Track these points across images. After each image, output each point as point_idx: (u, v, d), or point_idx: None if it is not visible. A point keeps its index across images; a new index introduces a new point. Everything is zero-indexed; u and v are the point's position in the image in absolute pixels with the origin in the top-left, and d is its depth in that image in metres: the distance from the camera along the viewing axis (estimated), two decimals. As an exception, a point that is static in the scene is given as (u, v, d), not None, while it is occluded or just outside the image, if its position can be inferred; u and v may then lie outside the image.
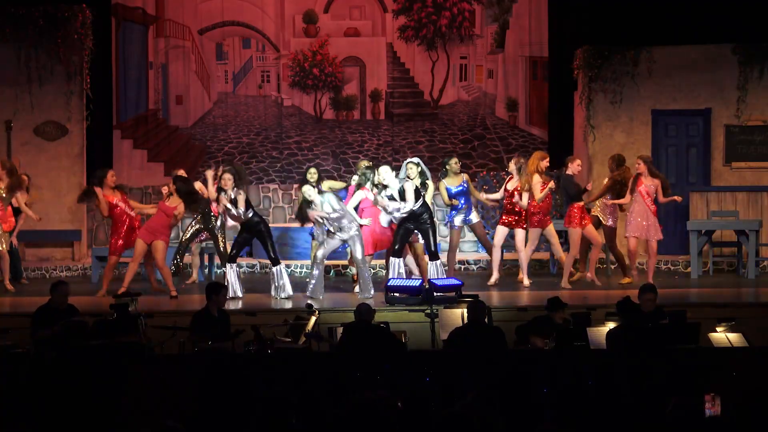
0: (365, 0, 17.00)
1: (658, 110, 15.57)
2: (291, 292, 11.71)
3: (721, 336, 9.21)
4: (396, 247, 11.75)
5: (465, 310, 9.52)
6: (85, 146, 15.41)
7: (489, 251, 12.83)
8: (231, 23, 16.90)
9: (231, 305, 11.13)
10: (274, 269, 11.78)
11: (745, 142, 15.35)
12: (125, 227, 12.14)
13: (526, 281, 12.47)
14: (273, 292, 11.73)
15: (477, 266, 14.50)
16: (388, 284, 11.26)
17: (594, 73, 15.42)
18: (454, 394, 6.71)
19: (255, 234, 11.90)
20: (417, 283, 11.08)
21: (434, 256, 11.77)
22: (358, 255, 11.63)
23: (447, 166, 12.63)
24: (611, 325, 9.04)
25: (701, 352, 8.56)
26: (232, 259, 11.89)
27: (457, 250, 13.05)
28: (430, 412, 6.67)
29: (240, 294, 11.78)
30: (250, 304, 11.42)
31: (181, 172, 12.75)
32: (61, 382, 7.47)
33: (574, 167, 12.55)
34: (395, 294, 11.06)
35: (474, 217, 12.74)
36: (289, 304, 11.36)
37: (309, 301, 10.77)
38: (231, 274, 11.79)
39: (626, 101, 15.48)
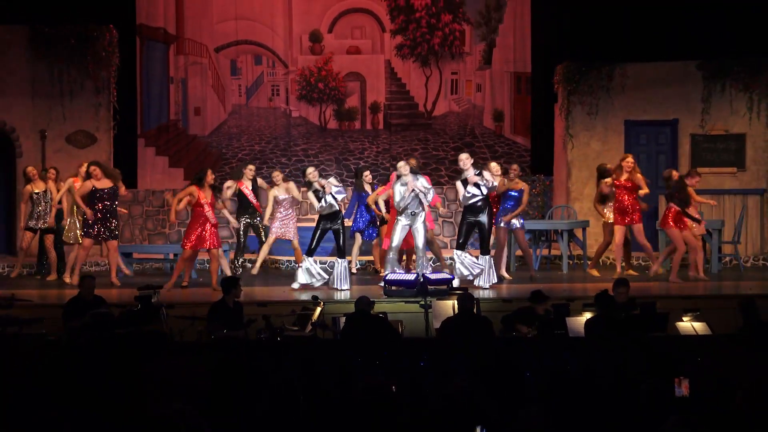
0: (366, 21, 16.98)
1: (630, 121, 15.55)
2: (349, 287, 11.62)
3: (687, 325, 9.20)
4: (461, 240, 11.76)
5: (456, 302, 9.49)
6: (112, 153, 15.38)
7: (527, 257, 12.71)
8: (244, 42, 16.88)
9: (290, 295, 11.29)
10: (341, 261, 11.64)
11: (708, 149, 15.33)
12: (199, 228, 11.79)
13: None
14: (342, 284, 11.57)
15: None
16: (386, 278, 11.22)
17: (572, 87, 15.40)
18: (447, 377, 6.68)
19: (333, 230, 11.74)
20: (412, 277, 11.05)
21: (486, 251, 11.74)
22: (420, 243, 11.59)
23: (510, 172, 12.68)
24: (588, 315, 9.03)
25: (670, 340, 8.54)
26: (311, 252, 11.77)
27: (505, 249, 12.73)
28: (425, 394, 6.65)
29: (319, 283, 11.66)
30: (262, 296, 11.39)
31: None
32: (91, 367, 7.44)
33: (692, 182, 12.42)
34: (392, 287, 11.03)
35: (516, 222, 12.42)
36: (300, 296, 11.33)
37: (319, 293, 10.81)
38: (312, 265, 11.69)
39: (602, 113, 15.46)
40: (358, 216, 13.02)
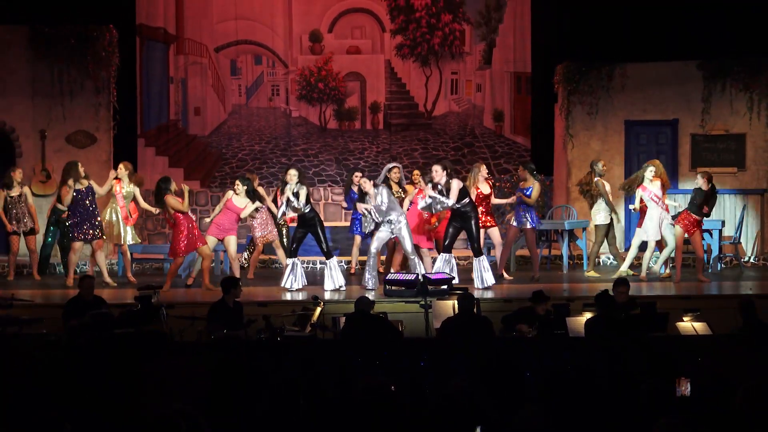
0: (366, 21, 16.98)
1: (630, 120, 15.55)
2: (343, 283, 11.66)
3: (687, 325, 9.21)
4: (446, 243, 11.73)
5: (456, 302, 9.49)
6: (112, 153, 15.38)
7: (534, 258, 12.66)
8: (244, 42, 16.87)
9: (290, 296, 11.28)
10: (328, 262, 11.70)
11: (708, 149, 15.33)
12: (186, 231, 11.84)
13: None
14: (327, 284, 11.62)
15: (466, 261, 14.46)
16: (387, 278, 11.22)
17: (573, 87, 15.40)
18: (447, 377, 6.68)
19: (309, 228, 11.80)
20: (413, 277, 11.05)
21: (478, 253, 11.73)
22: (408, 247, 11.58)
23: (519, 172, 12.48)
24: (588, 315, 9.03)
25: (670, 340, 8.55)
26: (292, 253, 11.82)
27: (511, 248, 12.74)
28: (425, 394, 6.65)
29: (301, 285, 11.70)
30: (262, 296, 11.39)
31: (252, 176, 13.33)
32: (91, 367, 7.44)
33: (703, 182, 12.36)
34: (393, 287, 11.03)
35: (528, 222, 12.37)
36: (300, 296, 11.33)
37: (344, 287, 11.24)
38: (295, 266, 11.72)
39: (602, 112, 15.47)
40: (354, 218, 13.05)
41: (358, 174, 13.17)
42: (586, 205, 14.22)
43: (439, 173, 11.58)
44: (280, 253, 13.08)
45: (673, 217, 12.50)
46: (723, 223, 13.95)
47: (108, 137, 15.35)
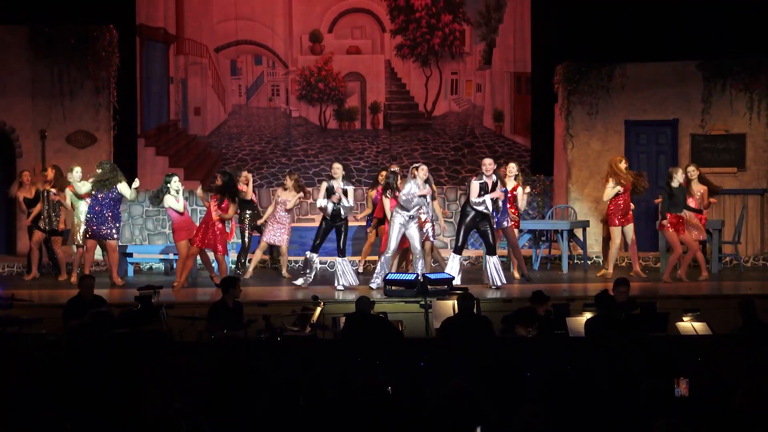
0: (366, 21, 16.98)
1: (630, 120, 15.56)
2: (356, 282, 11.71)
3: (687, 325, 9.21)
4: (459, 244, 11.78)
5: (456, 302, 9.49)
6: (112, 153, 15.39)
7: (518, 256, 12.65)
8: (244, 42, 16.88)
9: (290, 295, 11.30)
10: (341, 260, 11.72)
11: (709, 149, 15.33)
12: (203, 227, 11.89)
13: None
14: (336, 283, 11.70)
15: (466, 262, 14.46)
16: (387, 278, 11.22)
17: (573, 87, 15.41)
18: (447, 377, 6.67)
19: (341, 223, 11.82)
20: (413, 277, 11.05)
21: (492, 252, 11.75)
22: (417, 245, 11.60)
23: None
24: (588, 315, 9.03)
25: (670, 340, 8.54)
26: (315, 248, 11.85)
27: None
28: (425, 394, 6.65)
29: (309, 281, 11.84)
30: (262, 296, 11.38)
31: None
32: (91, 367, 7.44)
33: (679, 178, 12.31)
34: (393, 287, 11.03)
35: (507, 221, 12.36)
36: (300, 295, 11.33)
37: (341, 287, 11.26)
38: (315, 262, 11.83)
39: (602, 112, 15.47)
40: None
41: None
42: (586, 205, 14.25)
43: (489, 167, 11.70)
44: (284, 260, 13.12)
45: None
46: (723, 223, 13.94)
47: (108, 137, 15.36)
